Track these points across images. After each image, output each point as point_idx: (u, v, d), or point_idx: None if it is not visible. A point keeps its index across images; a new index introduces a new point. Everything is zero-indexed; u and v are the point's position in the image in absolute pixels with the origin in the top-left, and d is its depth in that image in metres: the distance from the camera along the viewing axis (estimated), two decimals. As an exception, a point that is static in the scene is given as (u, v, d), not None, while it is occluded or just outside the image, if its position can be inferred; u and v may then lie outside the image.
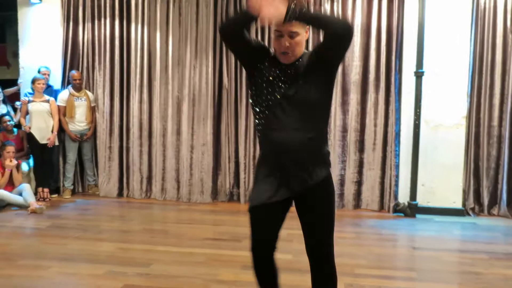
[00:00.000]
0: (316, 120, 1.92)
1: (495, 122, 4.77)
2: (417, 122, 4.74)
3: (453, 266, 3.39)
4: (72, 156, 5.60)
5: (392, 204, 4.84)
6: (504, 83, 4.73)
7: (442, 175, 4.80)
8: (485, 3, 4.70)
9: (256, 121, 1.99)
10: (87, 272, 3.18)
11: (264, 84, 1.92)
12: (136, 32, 5.48)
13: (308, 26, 1.89)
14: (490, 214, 4.81)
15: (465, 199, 4.84)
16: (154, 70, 5.48)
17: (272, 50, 1.98)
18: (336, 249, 3.89)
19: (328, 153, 2.00)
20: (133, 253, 3.59)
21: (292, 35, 1.82)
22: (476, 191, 4.86)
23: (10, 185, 5.08)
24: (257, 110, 1.95)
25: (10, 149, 5.02)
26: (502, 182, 4.76)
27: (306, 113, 1.88)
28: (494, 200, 4.84)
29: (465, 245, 3.92)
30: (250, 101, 2.00)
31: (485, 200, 4.82)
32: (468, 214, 4.78)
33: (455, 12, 4.69)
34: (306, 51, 1.96)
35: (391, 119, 4.86)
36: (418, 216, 4.77)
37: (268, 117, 1.92)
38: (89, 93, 5.65)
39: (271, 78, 1.91)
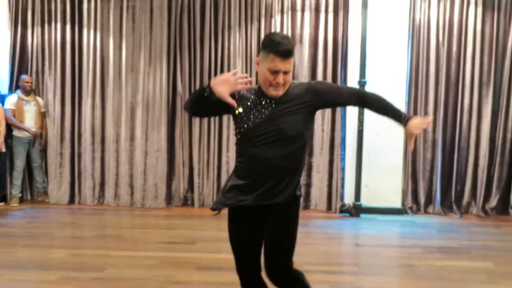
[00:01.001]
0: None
1: (430, 128, 5.20)
2: (360, 128, 5.08)
3: (391, 260, 3.70)
4: (20, 163, 5.45)
5: (338, 205, 5.15)
6: (437, 92, 5.18)
7: (383, 177, 5.16)
8: (420, 20, 5.13)
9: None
10: (39, 279, 3.18)
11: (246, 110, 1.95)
12: (88, 37, 5.45)
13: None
14: (426, 212, 5.23)
15: (404, 199, 5.24)
16: (107, 75, 5.47)
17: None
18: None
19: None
20: (86, 259, 3.61)
21: (287, 72, 1.87)
22: (414, 192, 5.27)
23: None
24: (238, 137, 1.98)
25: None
26: (436, 183, 5.20)
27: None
28: (429, 199, 5.27)
29: (403, 241, 4.26)
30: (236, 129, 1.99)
31: (422, 200, 5.24)
32: (407, 213, 5.18)
33: (394, 27, 5.09)
34: (293, 81, 1.98)
35: (337, 125, 5.17)
36: (362, 215, 5.09)
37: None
38: (39, 99, 5.54)
39: (251, 105, 1.94)
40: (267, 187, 1.93)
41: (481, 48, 5.09)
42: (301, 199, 5.27)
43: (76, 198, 5.56)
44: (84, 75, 5.50)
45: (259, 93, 1.96)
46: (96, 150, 5.52)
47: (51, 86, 5.53)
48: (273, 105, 1.92)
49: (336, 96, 2.02)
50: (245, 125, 1.93)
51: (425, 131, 5.17)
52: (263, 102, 1.93)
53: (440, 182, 5.18)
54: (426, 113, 5.20)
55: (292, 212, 2.03)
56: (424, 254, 3.79)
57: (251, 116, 1.92)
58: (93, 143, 5.51)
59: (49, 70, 5.53)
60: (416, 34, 5.15)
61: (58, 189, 5.56)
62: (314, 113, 2.02)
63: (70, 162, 5.56)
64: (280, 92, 1.90)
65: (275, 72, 1.85)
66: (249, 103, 1.95)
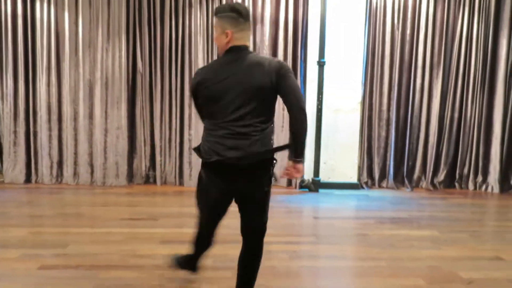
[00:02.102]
0: None
1: (385, 107, 5.46)
2: (319, 107, 5.24)
3: (346, 231, 3.92)
4: (-30, 141, 5.24)
5: (298, 181, 5.33)
6: (391, 73, 5.43)
7: (341, 154, 5.39)
8: (376, 3, 5.31)
9: None
10: (-1, 257, 3.12)
11: None
12: (42, 11, 5.23)
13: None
14: (380, 186, 5.53)
15: (360, 175, 5.50)
16: (62, 52, 5.30)
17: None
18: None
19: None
20: (46, 236, 3.57)
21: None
22: (369, 167, 5.55)
23: None
24: None
25: None
26: (390, 159, 5.50)
27: None
28: (383, 174, 5.57)
29: (358, 213, 4.51)
30: None
31: (376, 175, 5.53)
32: (362, 187, 5.46)
33: (352, 10, 5.25)
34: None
35: (298, 104, 5.30)
36: (321, 190, 5.32)
37: None
38: (-11, 74, 5.30)
39: None
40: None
41: (432, 32, 5.36)
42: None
43: (33, 177, 5.42)
44: (38, 51, 5.29)
45: None
46: (52, 129, 5.38)
47: (2, 61, 5.29)
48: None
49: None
50: None
51: (380, 110, 5.43)
52: None
53: (393, 158, 5.48)
54: (381, 93, 5.44)
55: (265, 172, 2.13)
56: (376, 224, 4.05)
57: None
58: (49, 121, 5.36)
59: (0, 45, 5.28)
60: (372, 17, 5.33)
61: (13, 168, 5.39)
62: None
63: (26, 141, 5.39)
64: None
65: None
66: None
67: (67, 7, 5.22)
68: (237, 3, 2.25)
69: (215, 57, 5.28)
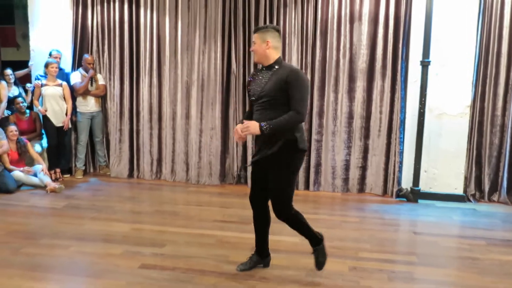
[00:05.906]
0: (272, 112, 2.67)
1: (499, 112, 4.86)
2: (421, 110, 4.82)
3: (451, 251, 3.55)
4: (83, 137, 5.75)
5: (395, 189, 4.99)
6: (509, 73, 4.79)
7: (444, 162, 4.92)
8: (493, -7, 4.72)
9: None
10: (105, 252, 3.36)
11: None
12: (145, 16, 5.54)
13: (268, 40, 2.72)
14: (490, 200, 4.94)
15: (466, 186, 4.98)
16: (163, 54, 5.56)
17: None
18: (340, 233, 4.06)
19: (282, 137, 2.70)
20: (146, 234, 3.77)
21: (254, 42, 2.78)
22: (478, 178, 4.99)
23: (22, 162, 5.29)
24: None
25: (12, 128, 5.22)
26: (504, 170, 4.88)
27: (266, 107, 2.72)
28: (494, 187, 4.97)
29: (464, 231, 4.06)
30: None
31: (486, 187, 4.95)
32: (469, 200, 4.93)
33: (463, 2, 4.72)
34: (284, 63, 2.79)
35: (397, 107, 4.95)
36: (420, 201, 4.91)
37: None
38: (99, 75, 5.75)
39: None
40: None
41: (562, 24, 4.62)
42: (356, 181, 5.11)
43: (135, 173, 5.81)
44: (142, 54, 5.62)
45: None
46: (153, 127, 5.69)
47: (111, 64, 5.72)
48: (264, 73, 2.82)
49: (290, 96, 2.66)
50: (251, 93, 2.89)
51: (493, 114, 4.85)
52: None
53: (507, 169, 4.86)
54: (495, 96, 4.84)
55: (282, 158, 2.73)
56: (487, 246, 3.61)
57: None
58: (150, 120, 5.69)
59: (109, 49, 5.71)
60: (488, 10, 4.75)
61: (118, 163, 5.82)
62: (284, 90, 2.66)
63: (129, 138, 5.79)
64: (255, 58, 2.85)
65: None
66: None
67: (168, 12, 5.45)
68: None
69: (309, 58, 5.14)
